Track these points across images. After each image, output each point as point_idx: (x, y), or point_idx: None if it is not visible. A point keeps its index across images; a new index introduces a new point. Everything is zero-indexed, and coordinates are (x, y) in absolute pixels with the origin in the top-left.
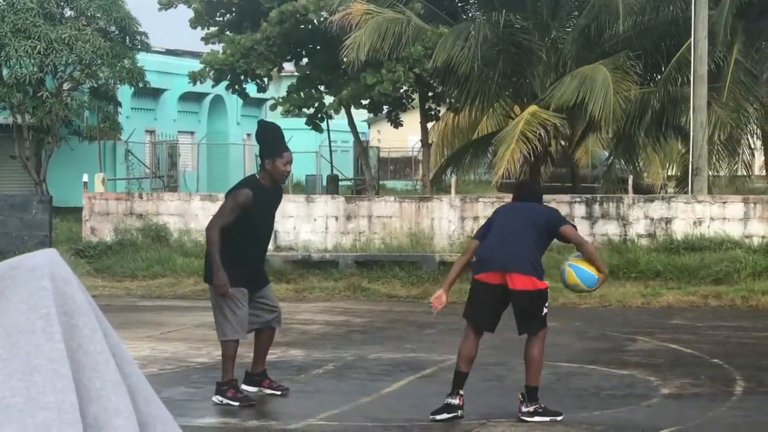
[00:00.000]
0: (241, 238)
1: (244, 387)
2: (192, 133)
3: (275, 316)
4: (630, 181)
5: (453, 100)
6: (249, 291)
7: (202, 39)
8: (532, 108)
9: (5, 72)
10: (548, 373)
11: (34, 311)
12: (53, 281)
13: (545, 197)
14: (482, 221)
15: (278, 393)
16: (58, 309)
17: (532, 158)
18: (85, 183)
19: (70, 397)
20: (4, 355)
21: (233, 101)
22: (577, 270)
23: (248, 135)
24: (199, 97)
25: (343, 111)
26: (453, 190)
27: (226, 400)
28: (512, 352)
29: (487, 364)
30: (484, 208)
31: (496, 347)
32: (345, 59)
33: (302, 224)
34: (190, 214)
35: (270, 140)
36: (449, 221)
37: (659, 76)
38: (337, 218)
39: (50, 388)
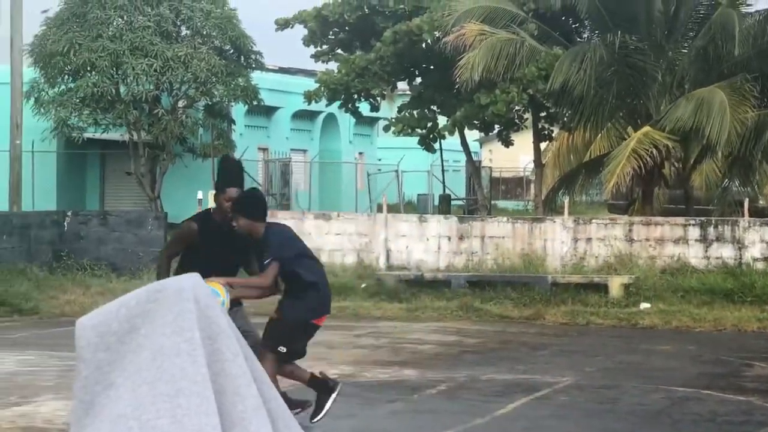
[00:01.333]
0: (198, 266)
1: None
2: (304, 151)
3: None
4: (746, 204)
5: (566, 121)
6: None
7: (312, 56)
8: (645, 128)
9: (122, 89)
10: (663, 397)
11: (179, 334)
12: (197, 305)
13: (639, 218)
14: (595, 243)
15: None
16: (201, 332)
17: (643, 173)
18: (200, 200)
19: (214, 419)
20: (150, 378)
21: (346, 120)
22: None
23: (360, 154)
24: (312, 115)
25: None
26: (566, 211)
27: None
28: (624, 375)
29: (600, 387)
30: (597, 230)
31: (608, 369)
32: (458, 79)
33: (415, 244)
34: (304, 233)
35: (220, 175)
36: (562, 242)
37: None
38: (449, 238)
39: (195, 411)
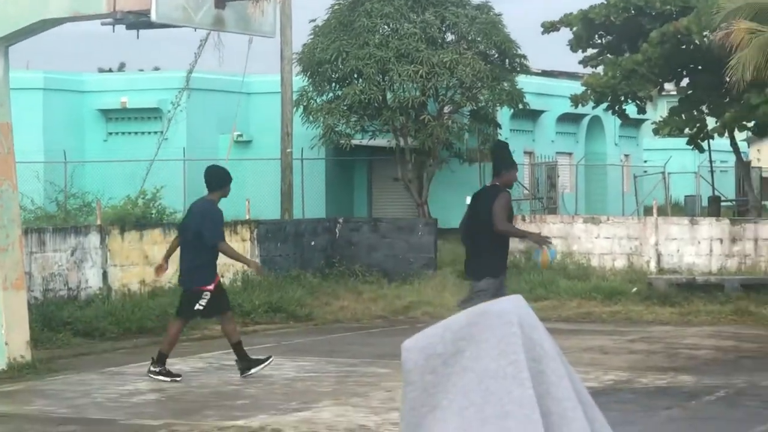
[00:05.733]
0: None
1: None
2: (570, 154)
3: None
4: None
5: None
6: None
7: (580, 62)
8: None
9: (389, 96)
10: None
11: (504, 357)
12: (521, 327)
13: None
14: None
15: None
16: (526, 355)
17: None
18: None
19: None
20: (478, 400)
21: (611, 122)
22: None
23: (626, 156)
24: (576, 118)
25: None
26: None
27: None
28: None
29: None
30: None
31: None
32: (728, 80)
33: (686, 247)
34: (573, 237)
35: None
36: None
37: None
38: (721, 241)
39: None
